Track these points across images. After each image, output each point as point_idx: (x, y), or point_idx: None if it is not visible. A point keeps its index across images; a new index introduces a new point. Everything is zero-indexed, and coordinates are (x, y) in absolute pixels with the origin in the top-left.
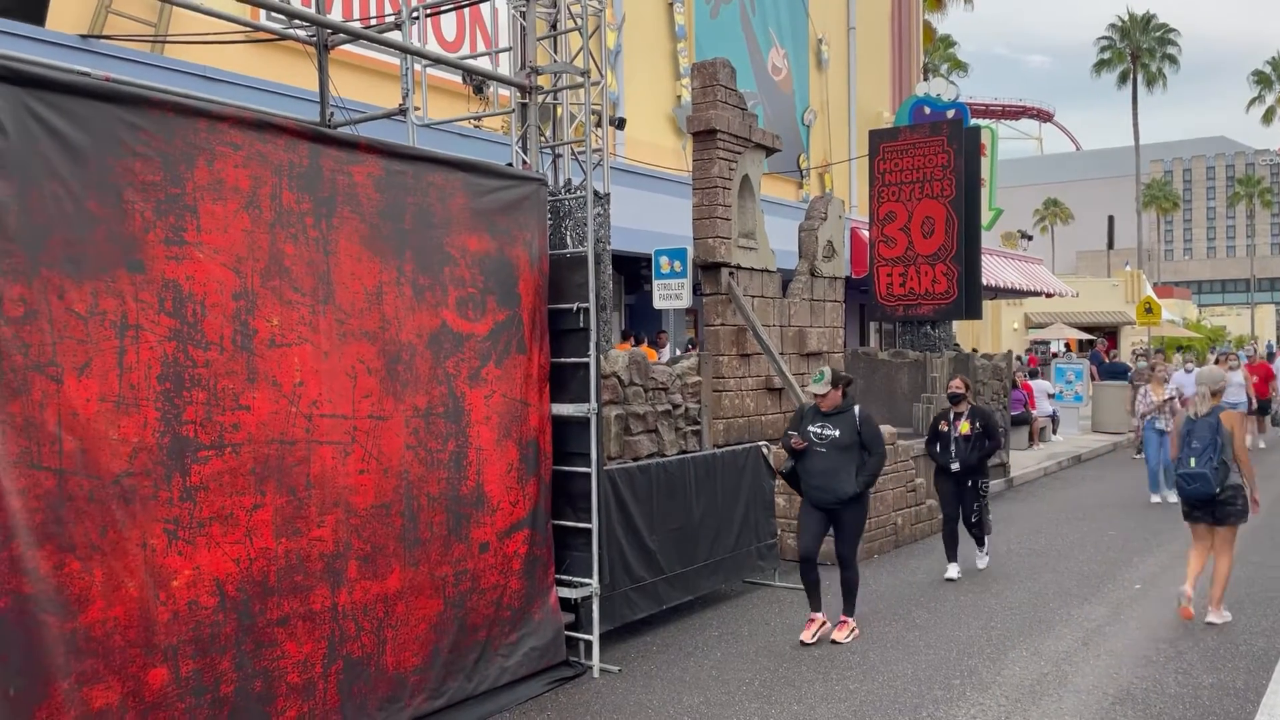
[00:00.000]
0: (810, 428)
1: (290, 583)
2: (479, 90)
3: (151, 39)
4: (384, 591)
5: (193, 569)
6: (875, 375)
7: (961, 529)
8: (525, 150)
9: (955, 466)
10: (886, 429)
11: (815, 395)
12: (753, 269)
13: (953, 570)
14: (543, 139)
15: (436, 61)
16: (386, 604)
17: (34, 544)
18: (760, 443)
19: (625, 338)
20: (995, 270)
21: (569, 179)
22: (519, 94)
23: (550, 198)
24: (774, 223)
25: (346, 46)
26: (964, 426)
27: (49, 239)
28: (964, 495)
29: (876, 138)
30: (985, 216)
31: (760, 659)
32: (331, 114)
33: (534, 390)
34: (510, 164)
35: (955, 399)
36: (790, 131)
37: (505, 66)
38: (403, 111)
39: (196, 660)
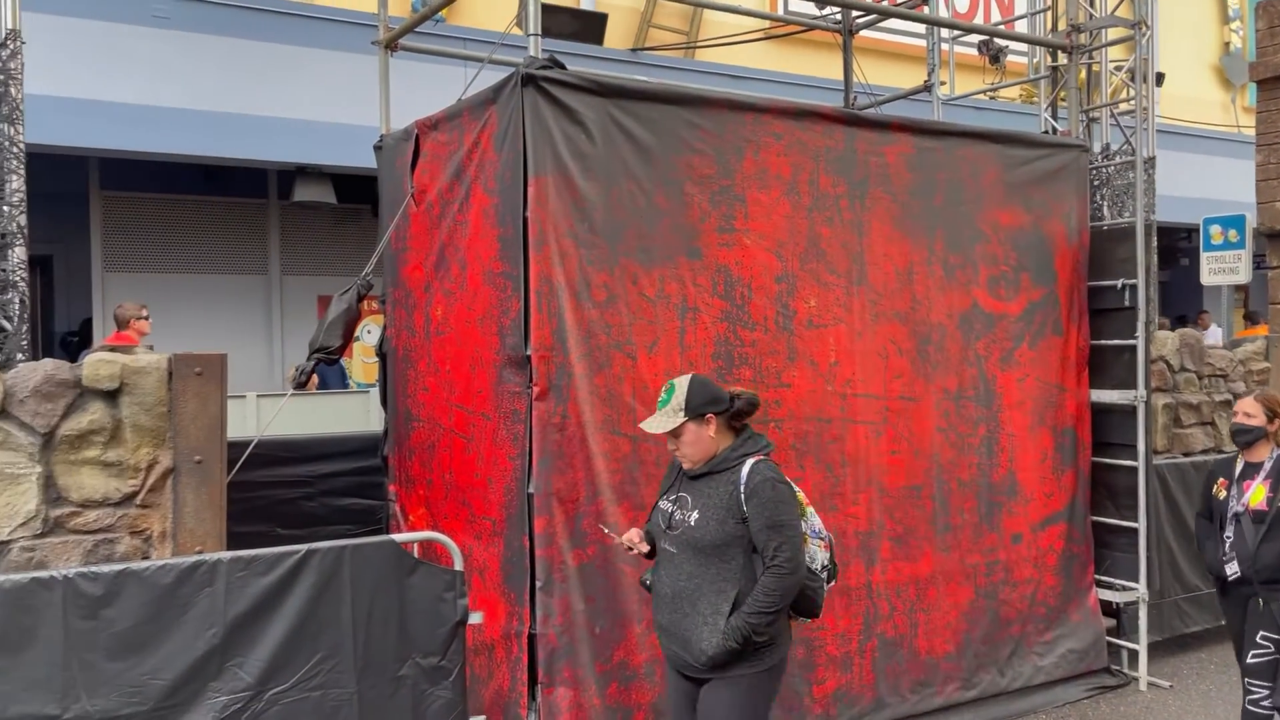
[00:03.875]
0: (662, 503)
1: None
2: (995, 60)
3: (685, 45)
4: (915, 574)
5: None
6: None
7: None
8: (1054, 116)
9: (1232, 572)
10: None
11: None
12: None
13: None
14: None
15: (968, 31)
16: (918, 587)
17: (615, 501)
18: None
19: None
20: None
21: (1106, 144)
22: (1048, 58)
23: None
24: None
25: (864, 33)
26: (1257, 493)
27: (625, 231)
28: (1247, 623)
29: None
30: None
31: None
32: (854, 98)
33: (1071, 374)
34: (1046, 132)
35: (1242, 435)
36: None
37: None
38: (927, 88)
39: None
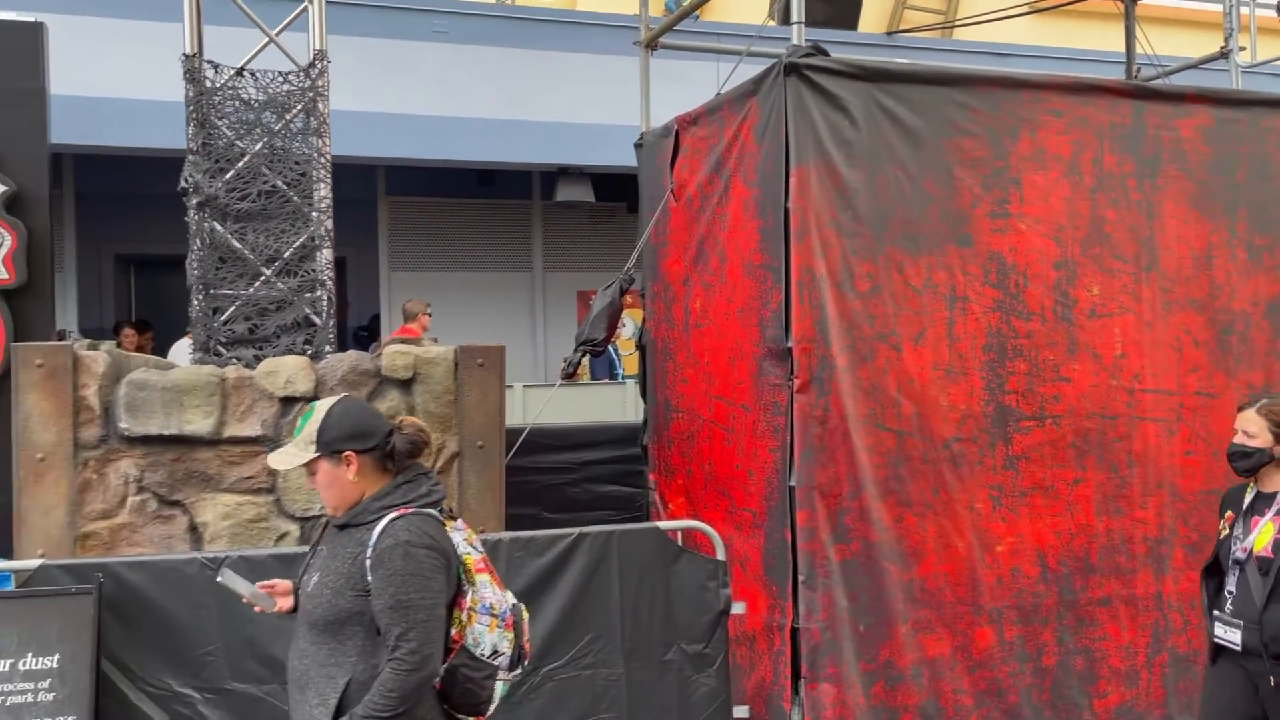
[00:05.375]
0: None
1: (1111, 563)
2: None
3: (942, 25)
4: None
5: (1014, 537)
6: None
7: None
8: None
9: (1231, 640)
10: None
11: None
12: None
13: None
14: None
15: None
16: None
17: (878, 497)
18: None
19: None
20: None
21: None
22: None
23: None
24: None
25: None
26: (1264, 534)
27: (890, 219)
28: (1247, 709)
29: None
30: None
31: None
32: (1138, 70)
33: None
34: None
35: (1242, 460)
36: None
37: None
38: (1224, 55)
39: (1019, 627)
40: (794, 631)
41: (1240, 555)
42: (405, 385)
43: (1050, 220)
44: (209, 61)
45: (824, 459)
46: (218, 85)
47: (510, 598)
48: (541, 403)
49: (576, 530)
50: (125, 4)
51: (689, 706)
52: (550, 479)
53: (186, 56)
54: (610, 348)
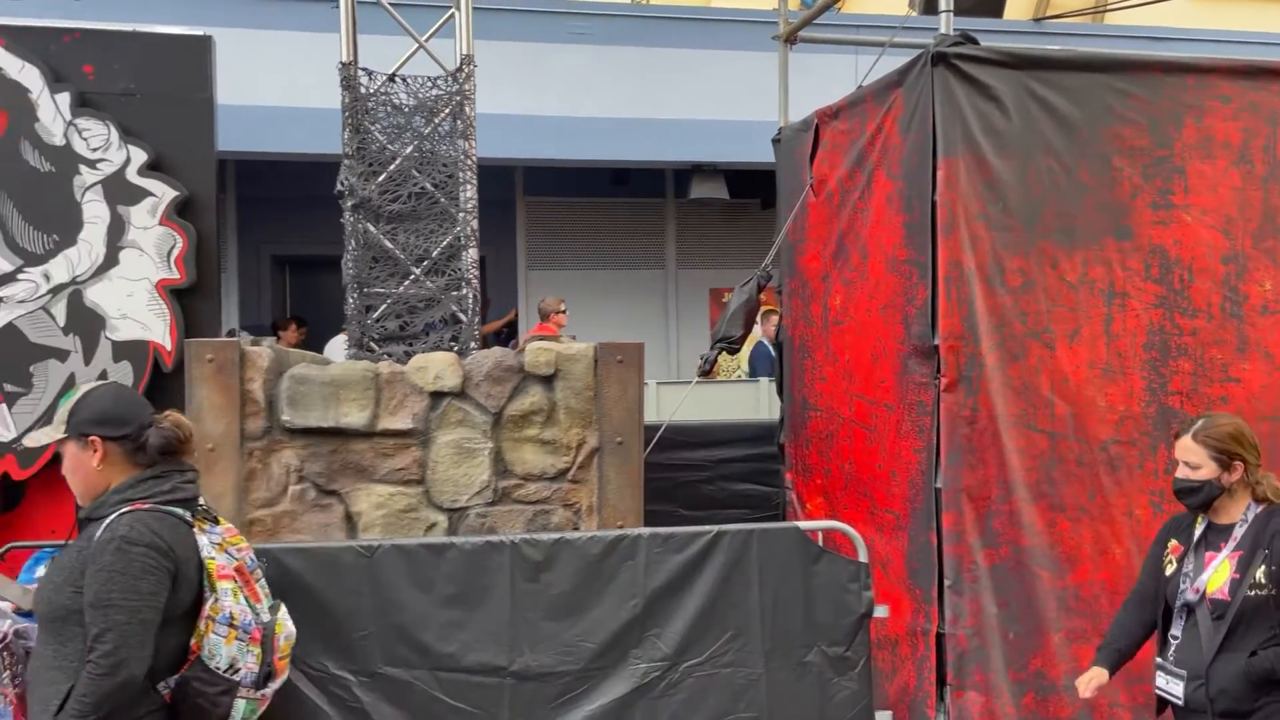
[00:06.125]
0: None
1: None
2: None
3: (1094, 10)
4: None
5: None
6: None
7: None
8: None
9: (1177, 694)
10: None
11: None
12: None
13: None
14: None
15: None
16: None
17: (1030, 500)
18: None
19: None
20: None
21: None
22: None
23: None
24: None
25: None
26: (1218, 574)
27: (1043, 211)
28: None
29: None
30: None
31: None
32: None
33: None
34: None
35: (1191, 496)
36: None
37: None
38: None
39: None
40: (939, 637)
41: (1191, 597)
42: (547, 381)
43: (1219, 211)
44: (363, 69)
45: (972, 460)
46: (371, 91)
47: (265, 612)
48: (674, 399)
49: (715, 528)
50: (283, 18)
51: (829, 709)
52: (685, 476)
53: (343, 64)
54: (769, 345)
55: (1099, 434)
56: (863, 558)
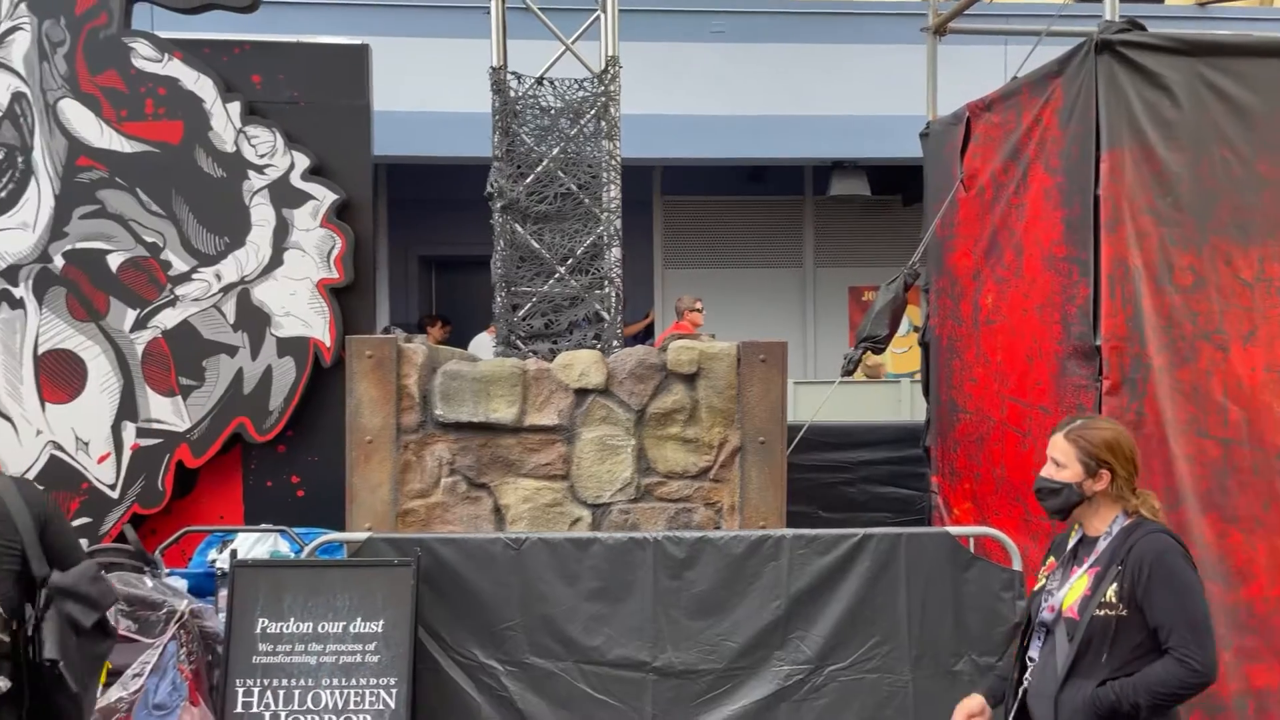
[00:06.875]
0: None
1: None
2: None
3: None
4: None
5: None
6: None
7: None
8: None
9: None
10: None
11: None
12: None
13: None
14: None
15: None
16: None
17: (1200, 510)
18: None
19: None
20: None
21: None
22: None
23: None
24: None
25: None
26: (1074, 589)
27: (1217, 206)
28: None
29: None
30: None
31: None
32: None
33: None
34: None
35: (1050, 498)
36: None
37: None
38: None
39: None
40: None
41: (1047, 616)
42: (689, 380)
43: None
44: (512, 73)
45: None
46: (520, 94)
47: None
48: (812, 399)
49: (862, 531)
50: (433, 25)
51: None
52: (826, 477)
53: (494, 69)
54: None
55: (1277, 441)
56: (1017, 566)
